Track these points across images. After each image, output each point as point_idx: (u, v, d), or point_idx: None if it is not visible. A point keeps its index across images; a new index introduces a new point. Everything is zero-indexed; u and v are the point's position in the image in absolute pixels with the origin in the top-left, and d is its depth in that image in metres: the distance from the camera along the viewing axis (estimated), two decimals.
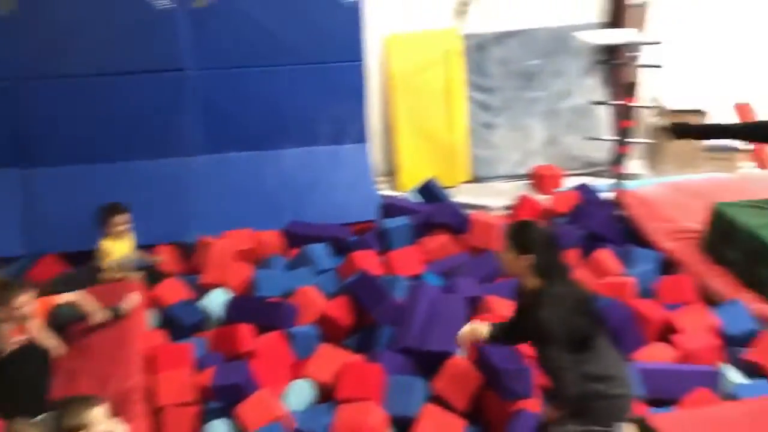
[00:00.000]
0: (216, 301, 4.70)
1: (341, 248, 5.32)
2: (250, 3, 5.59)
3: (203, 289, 4.87)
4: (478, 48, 6.69)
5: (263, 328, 4.32)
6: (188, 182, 5.77)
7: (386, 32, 6.48)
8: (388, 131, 6.72)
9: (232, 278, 4.91)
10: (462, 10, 6.54)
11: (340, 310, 4.49)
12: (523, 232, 2.99)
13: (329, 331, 4.45)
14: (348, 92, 6.00)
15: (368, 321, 4.47)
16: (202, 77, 5.65)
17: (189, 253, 5.37)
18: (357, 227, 5.67)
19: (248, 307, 4.48)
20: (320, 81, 5.90)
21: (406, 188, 6.40)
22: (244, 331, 4.23)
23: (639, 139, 6.72)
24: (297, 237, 5.40)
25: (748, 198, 5.05)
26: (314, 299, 4.60)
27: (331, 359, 4.09)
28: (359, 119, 6.09)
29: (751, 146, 6.51)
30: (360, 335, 4.47)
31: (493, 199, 6.40)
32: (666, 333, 4.38)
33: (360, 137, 6.11)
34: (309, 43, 5.80)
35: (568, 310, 2.87)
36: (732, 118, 6.55)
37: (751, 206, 4.90)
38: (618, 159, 5.98)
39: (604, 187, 6.23)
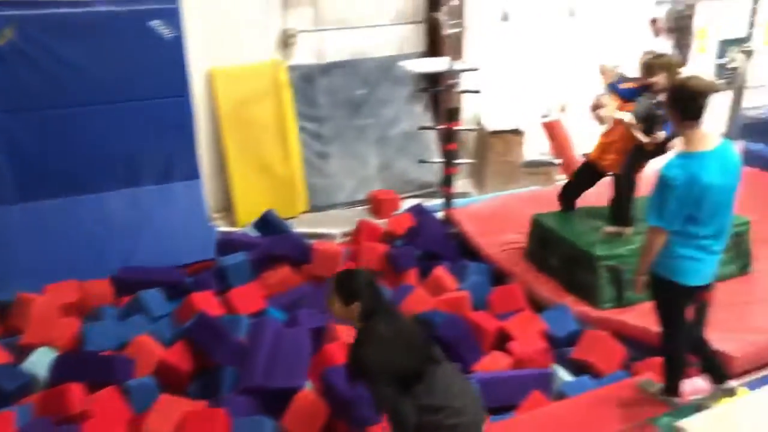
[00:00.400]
0: (40, 361, 4.31)
1: (177, 291, 5.10)
2: (57, 40, 5.26)
3: (25, 350, 4.45)
4: (305, 79, 6.76)
5: (96, 386, 4.00)
6: (1, 235, 5.27)
7: (211, 66, 6.37)
8: (221, 166, 6.58)
9: (57, 335, 4.53)
10: (287, 42, 6.58)
11: (179, 356, 4.28)
12: (347, 281, 3.08)
13: (169, 380, 4.22)
14: (175, 128, 5.80)
15: (211, 364, 4.31)
16: (6, 120, 5.22)
17: (6, 313, 4.89)
18: (193, 268, 5.47)
19: (77, 365, 4.15)
20: (145, 118, 5.66)
21: (244, 223, 6.30)
22: (74, 390, 3.90)
23: (463, 160, 7.10)
24: (127, 284, 5.10)
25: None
26: (150, 348, 4.36)
27: (171, 410, 3.87)
28: (189, 155, 5.90)
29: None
30: (203, 380, 4.29)
31: (333, 227, 6.45)
32: (501, 341, 4.61)
33: (191, 174, 5.92)
34: (130, 79, 5.55)
35: (390, 348, 2.95)
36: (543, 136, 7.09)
37: (567, 215, 5.32)
38: (447, 180, 6.26)
39: (437, 207, 6.49)
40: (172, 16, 5.54)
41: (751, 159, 6.88)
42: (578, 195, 5.42)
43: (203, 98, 6.41)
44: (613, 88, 5.13)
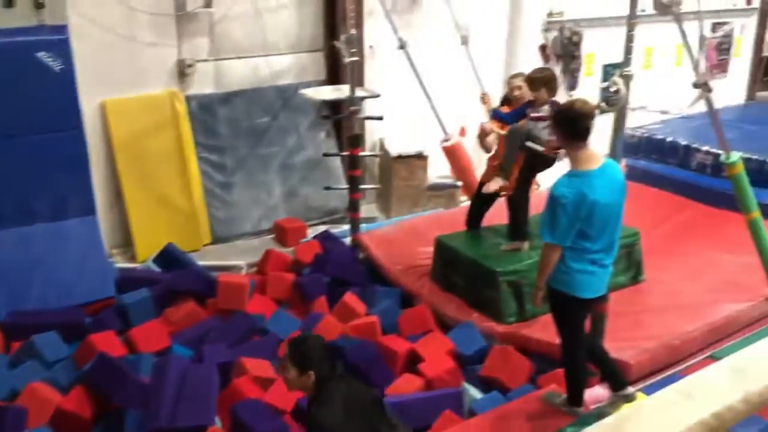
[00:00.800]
0: None
1: (76, 333, 4.85)
2: None
3: None
4: (205, 109, 6.66)
5: None
6: None
7: (104, 97, 6.17)
8: (118, 200, 6.36)
9: None
10: (184, 72, 6.48)
11: (77, 402, 4.08)
12: (299, 350, 3.02)
13: (68, 429, 4.00)
14: (68, 163, 5.54)
15: (113, 408, 4.12)
16: None
17: None
18: (92, 307, 5.22)
19: None
20: (35, 153, 5.38)
21: (144, 258, 6.09)
22: None
23: (368, 186, 7.16)
24: (19, 328, 4.79)
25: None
26: (45, 396, 4.12)
27: None
28: (83, 190, 5.65)
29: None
30: (105, 426, 4.10)
31: (238, 258, 6.35)
32: (412, 363, 4.65)
33: (86, 209, 5.66)
34: (18, 113, 5.26)
35: (348, 412, 2.92)
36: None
37: (469, 235, 5.46)
38: (352, 205, 6.30)
39: (344, 233, 6.51)
40: (62, 48, 5.32)
41: (633, 175, 7.35)
42: (481, 215, 5.57)
43: (97, 131, 6.19)
44: (495, 114, 5.37)
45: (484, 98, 5.66)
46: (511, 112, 5.29)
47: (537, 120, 4.97)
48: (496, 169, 5.31)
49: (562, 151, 4.96)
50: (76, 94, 5.48)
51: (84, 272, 5.37)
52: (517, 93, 5.21)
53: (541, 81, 4.91)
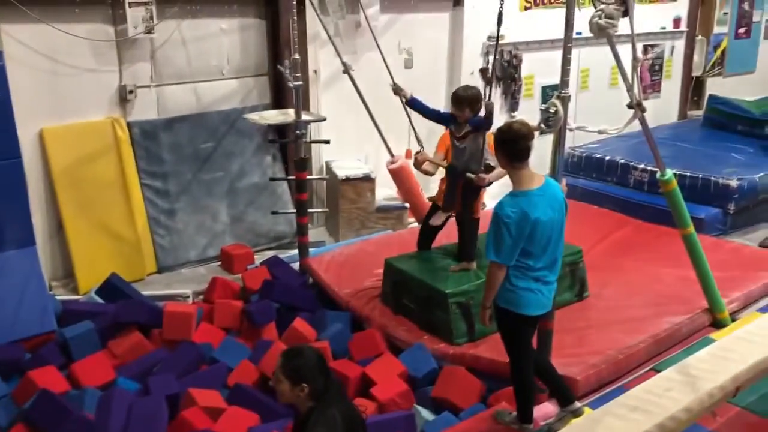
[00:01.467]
0: None
1: (14, 370, 4.69)
2: None
3: None
4: (147, 135, 6.55)
5: None
6: None
7: (42, 125, 6.02)
8: (58, 230, 6.19)
9: None
10: (125, 98, 6.38)
11: None
12: (293, 363, 2.97)
13: None
14: (6, 193, 5.39)
15: None
16: None
17: None
18: (32, 342, 5.03)
19: None
20: None
21: (87, 289, 5.93)
22: None
23: (316, 209, 7.17)
24: None
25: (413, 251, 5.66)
26: None
27: None
28: (22, 221, 5.48)
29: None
30: None
31: (185, 286, 6.24)
32: (365, 387, 4.64)
33: (25, 241, 5.49)
34: None
35: (340, 430, 2.88)
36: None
37: (418, 256, 5.50)
38: (300, 229, 6.28)
39: (292, 257, 6.47)
40: None
41: (574, 193, 7.56)
42: (432, 237, 5.61)
43: (35, 160, 6.03)
44: (412, 102, 5.39)
45: (394, 88, 5.53)
46: (435, 110, 5.34)
47: (459, 139, 5.06)
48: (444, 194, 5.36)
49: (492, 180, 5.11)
50: (13, 122, 5.35)
51: (23, 306, 5.19)
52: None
53: (465, 99, 4.97)
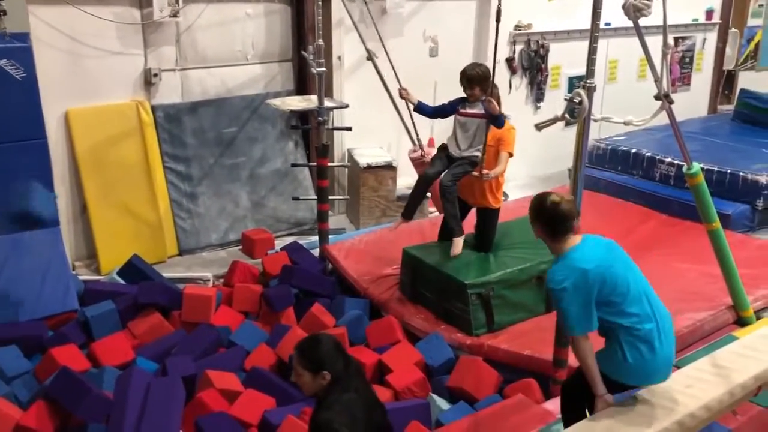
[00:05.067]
0: None
1: (37, 347, 4.75)
2: None
3: None
4: (171, 119, 6.59)
5: None
6: None
7: (67, 107, 6.08)
8: (82, 211, 6.26)
9: None
10: (150, 82, 6.41)
11: (38, 418, 3.96)
12: (309, 353, 2.95)
13: None
14: (30, 173, 5.45)
15: (75, 423, 4.04)
16: None
17: None
18: (54, 320, 5.10)
19: None
20: None
21: (108, 270, 5.99)
22: None
23: (337, 196, 7.16)
24: None
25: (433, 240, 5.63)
26: (5, 411, 4.00)
27: None
28: (46, 201, 5.56)
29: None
30: None
31: (205, 269, 6.28)
32: (380, 374, 4.64)
33: (49, 221, 5.57)
34: None
35: (353, 415, 2.85)
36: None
37: (436, 246, 5.47)
38: (321, 216, 6.28)
39: (312, 244, 6.48)
40: (24, 56, 5.23)
41: (598, 185, 7.47)
42: (427, 188, 5.53)
43: (59, 141, 6.09)
44: (419, 106, 5.32)
45: (402, 93, 5.41)
46: (437, 106, 5.27)
47: (466, 116, 4.99)
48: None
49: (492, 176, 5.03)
50: (39, 103, 5.40)
51: (46, 284, 5.26)
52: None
53: (474, 78, 4.89)
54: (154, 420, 3.84)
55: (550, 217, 3.26)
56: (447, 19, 7.85)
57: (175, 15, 6.29)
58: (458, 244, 5.17)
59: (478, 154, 5.04)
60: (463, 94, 5.05)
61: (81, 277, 5.85)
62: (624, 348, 3.19)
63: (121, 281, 5.67)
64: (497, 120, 4.90)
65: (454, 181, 5.10)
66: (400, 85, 5.65)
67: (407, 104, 5.57)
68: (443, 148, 5.30)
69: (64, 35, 5.97)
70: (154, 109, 6.49)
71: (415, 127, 6.74)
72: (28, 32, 5.32)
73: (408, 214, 5.44)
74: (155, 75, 6.42)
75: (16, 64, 5.19)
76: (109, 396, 4.09)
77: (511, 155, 5.16)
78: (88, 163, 6.16)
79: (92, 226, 6.20)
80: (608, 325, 3.22)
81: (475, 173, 5.03)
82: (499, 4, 4.65)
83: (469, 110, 5.02)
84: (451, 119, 5.25)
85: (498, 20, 4.67)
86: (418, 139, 6.87)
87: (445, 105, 5.21)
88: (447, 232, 5.53)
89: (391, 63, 6.66)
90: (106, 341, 4.75)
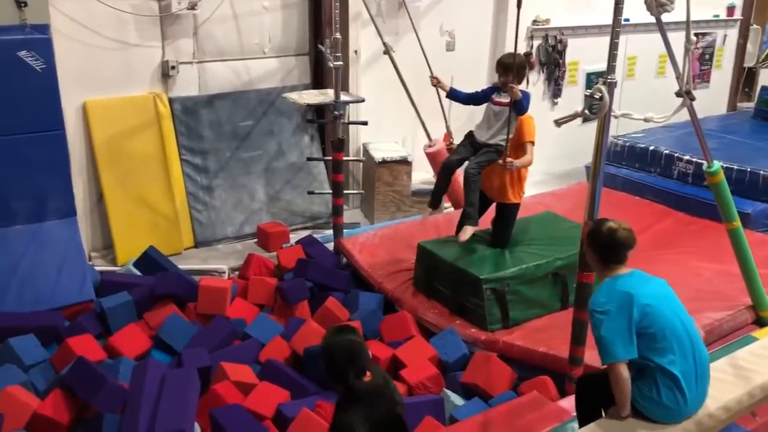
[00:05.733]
0: None
1: (54, 337, 4.80)
2: None
3: None
4: (188, 111, 6.61)
5: None
6: None
7: (85, 98, 6.11)
8: (99, 202, 6.29)
9: None
10: (167, 74, 6.43)
11: (55, 406, 4.01)
12: (324, 367, 2.97)
13: None
14: (48, 163, 5.48)
15: (91, 413, 4.07)
16: None
17: None
18: (71, 310, 5.15)
19: None
20: (15, 153, 5.31)
21: (125, 261, 6.03)
22: None
23: (352, 191, 7.15)
24: None
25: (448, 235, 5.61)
26: (23, 400, 4.05)
27: None
28: (63, 192, 5.58)
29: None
30: (83, 431, 4.03)
31: (221, 262, 6.30)
32: (394, 369, 4.63)
33: (66, 211, 5.59)
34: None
35: (370, 415, 2.88)
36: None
37: (452, 241, 5.45)
38: (336, 210, 6.28)
39: (327, 237, 6.48)
40: (43, 47, 5.27)
41: (615, 183, 7.41)
42: (451, 174, 5.49)
43: (77, 132, 6.13)
44: (452, 93, 5.30)
45: (433, 81, 5.45)
46: (470, 93, 5.26)
47: (500, 105, 4.98)
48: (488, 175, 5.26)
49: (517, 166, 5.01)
50: (58, 94, 5.42)
51: (63, 274, 5.30)
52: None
53: (510, 67, 4.88)
54: (169, 411, 3.85)
55: (605, 244, 3.18)
56: (464, 14, 7.81)
57: (193, 7, 6.30)
58: (468, 232, 5.10)
59: (503, 142, 5.02)
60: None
61: (97, 268, 5.89)
62: (659, 388, 3.08)
63: (137, 272, 5.70)
64: (519, 105, 4.88)
65: (479, 169, 5.08)
66: (431, 73, 5.64)
67: (438, 91, 5.57)
68: (469, 135, 5.29)
69: (83, 27, 6.00)
70: (171, 101, 6.52)
71: (423, 124, 6.70)
72: (48, 24, 5.34)
73: (434, 203, 5.42)
74: (173, 67, 6.44)
75: (36, 56, 5.22)
76: (125, 386, 4.11)
77: (532, 143, 5.15)
78: (105, 154, 6.20)
79: (109, 218, 6.24)
80: (644, 362, 3.09)
81: (500, 162, 5.01)
82: None
83: (503, 99, 5.02)
84: (473, 109, 5.21)
85: (519, 5, 4.61)
86: (447, 127, 6.85)
87: (479, 92, 5.21)
88: (445, 181, 5.42)
89: (422, 47, 6.61)
90: (123, 332, 4.78)
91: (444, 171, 5.38)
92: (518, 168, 5.09)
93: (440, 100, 5.92)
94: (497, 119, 5.05)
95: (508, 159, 4.96)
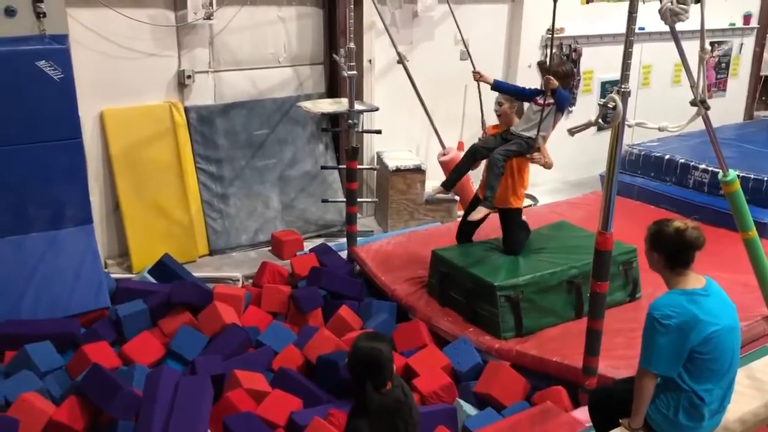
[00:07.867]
0: None
1: (69, 343, 4.84)
2: None
3: None
4: (203, 120, 6.66)
5: None
6: None
7: (102, 107, 6.18)
8: (115, 210, 6.35)
9: None
10: (183, 83, 6.49)
11: (70, 413, 4.04)
12: (349, 369, 3.01)
13: None
14: (65, 172, 5.51)
15: (105, 420, 4.10)
16: None
17: None
18: (86, 318, 5.20)
19: None
20: (33, 162, 5.37)
21: (140, 268, 6.07)
22: None
23: (366, 199, 7.16)
24: (11, 338, 4.74)
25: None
26: (38, 406, 4.08)
27: None
28: (80, 200, 5.62)
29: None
30: None
31: (235, 270, 6.33)
32: (407, 378, 4.62)
33: (83, 219, 5.62)
34: (16, 121, 5.22)
35: (381, 421, 2.89)
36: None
37: (465, 248, 5.45)
38: (350, 218, 6.29)
39: (341, 246, 6.49)
40: (62, 57, 5.32)
41: (630, 192, 7.37)
42: (472, 231, 5.56)
43: (95, 140, 6.19)
44: (497, 84, 5.45)
45: (476, 75, 5.58)
46: (517, 87, 5.48)
47: (541, 106, 5.09)
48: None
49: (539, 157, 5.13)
50: (76, 104, 5.47)
51: (79, 282, 5.34)
52: (496, 108, 5.44)
53: (559, 75, 5.05)
54: (182, 418, 3.88)
55: (672, 246, 2.99)
56: (478, 23, 7.82)
57: (209, 17, 6.36)
58: (481, 212, 5.20)
59: (532, 135, 5.12)
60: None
61: (113, 275, 5.93)
62: (678, 408, 3.00)
63: (153, 280, 5.74)
64: (559, 98, 5.01)
65: (505, 157, 5.17)
66: (474, 68, 5.75)
67: (479, 86, 5.78)
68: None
69: (101, 37, 6.07)
70: (187, 110, 6.57)
71: (437, 133, 6.70)
72: (67, 34, 5.40)
73: (449, 185, 5.52)
74: (188, 77, 6.49)
75: (54, 65, 5.27)
76: (139, 393, 4.14)
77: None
78: (121, 162, 6.26)
79: (125, 225, 6.29)
80: (677, 380, 2.98)
81: (527, 156, 5.16)
82: None
83: (541, 101, 5.14)
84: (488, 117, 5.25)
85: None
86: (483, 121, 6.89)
87: (525, 89, 5.37)
88: (464, 234, 5.59)
89: (462, 37, 6.66)
90: (138, 339, 4.82)
91: (468, 154, 5.50)
92: (544, 163, 5.20)
93: (480, 98, 6.03)
94: (536, 117, 5.15)
95: (536, 154, 5.08)
